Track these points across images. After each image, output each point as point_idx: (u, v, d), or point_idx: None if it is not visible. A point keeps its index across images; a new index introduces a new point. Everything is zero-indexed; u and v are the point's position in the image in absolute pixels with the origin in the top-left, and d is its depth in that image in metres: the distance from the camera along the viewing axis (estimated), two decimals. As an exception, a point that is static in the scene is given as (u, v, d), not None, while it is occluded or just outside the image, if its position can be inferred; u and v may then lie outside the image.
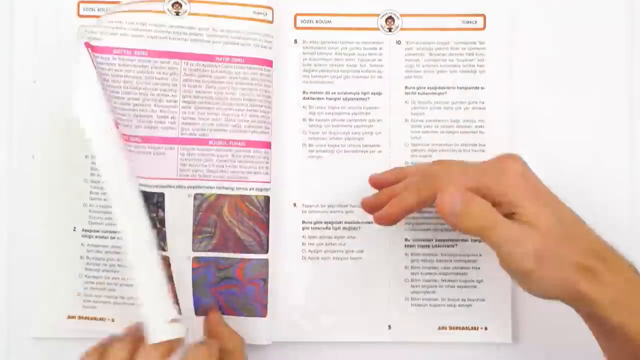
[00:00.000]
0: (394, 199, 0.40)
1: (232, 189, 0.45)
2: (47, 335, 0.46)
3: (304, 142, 0.47)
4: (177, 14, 0.45)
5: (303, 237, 0.46)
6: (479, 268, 0.46)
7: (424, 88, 0.47)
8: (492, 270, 0.46)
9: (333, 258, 0.46)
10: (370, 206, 0.42)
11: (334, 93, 0.47)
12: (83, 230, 0.45)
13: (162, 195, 0.44)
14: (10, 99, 0.47)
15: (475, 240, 0.46)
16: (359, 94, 0.47)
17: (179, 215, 0.44)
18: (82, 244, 0.45)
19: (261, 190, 0.45)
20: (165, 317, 0.37)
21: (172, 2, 0.45)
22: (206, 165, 0.45)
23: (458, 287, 0.46)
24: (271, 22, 0.46)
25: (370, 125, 0.47)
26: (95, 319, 0.45)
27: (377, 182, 0.43)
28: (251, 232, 0.45)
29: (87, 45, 0.43)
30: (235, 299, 0.44)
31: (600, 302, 0.35)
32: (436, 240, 0.46)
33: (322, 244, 0.46)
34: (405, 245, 0.46)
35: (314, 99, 0.47)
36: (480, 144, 0.46)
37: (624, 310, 0.35)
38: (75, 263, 0.45)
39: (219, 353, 0.38)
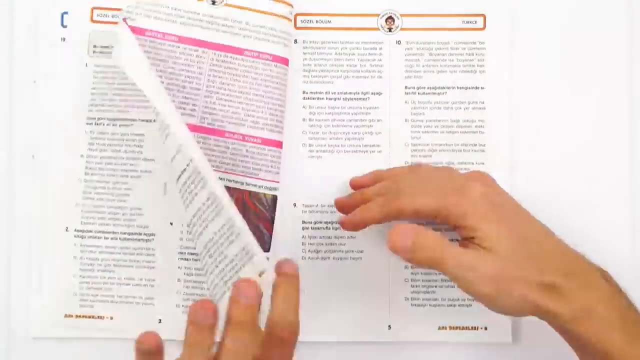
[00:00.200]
0: (359, 209, 0.41)
1: (242, 184, 0.45)
2: (45, 335, 0.46)
3: (304, 142, 0.47)
4: (214, 2, 0.45)
5: (303, 237, 0.46)
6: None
7: (424, 88, 0.47)
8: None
9: (333, 258, 0.46)
10: (341, 205, 0.44)
11: (334, 93, 0.47)
12: (75, 230, 0.46)
13: None
14: (10, 99, 0.47)
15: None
16: (359, 94, 0.47)
17: None
18: (74, 244, 0.46)
19: (270, 189, 0.45)
20: (257, 269, 0.37)
21: None
22: (220, 157, 0.45)
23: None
24: (291, 20, 0.46)
25: (370, 125, 0.47)
26: (93, 317, 0.45)
27: (356, 185, 0.44)
28: (255, 230, 0.44)
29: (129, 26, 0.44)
30: None
31: (565, 317, 0.36)
32: (436, 240, 0.46)
33: (322, 244, 0.46)
34: (405, 245, 0.46)
35: (314, 99, 0.47)
36: (480, 144, 0.46)
37: (590, 323, 0.36)
38: (69, 263, 0.46)
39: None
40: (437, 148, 0.46)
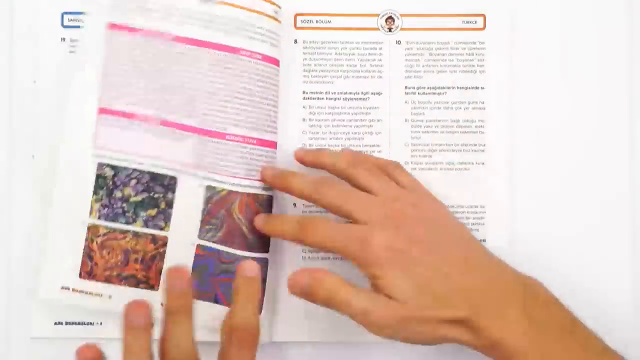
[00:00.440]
0: (278, 221, 0.43)
1: (243, 186, 0.44)
2: (45, 335, 0.46)
3: (304, 142, 0.47)
4: None
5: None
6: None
7: (424, 88, 0.47)
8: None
9: (333, 258, 0.46)
10: (265, 177, 0.44)
11: (334, 93, 0.47)
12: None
13: (174, 178, 0.44)
14: (10, 99, 0.47)
15: (476, 240, 0.46)
16: (359, 94, 0.47)
17: (189, 202, 0.44)
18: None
19: (266, 189, 0.45)
20: None
21: None
22: (222, 159, 0.44)
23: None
24: (280, 22, 0.46)
25: (370, 125, 0.47)
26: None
27: (299, 159, 0.45)
28: (255, 230, 0.44)
29: (112, 26, 0.44)
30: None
31: (476, 346, 0.38)
32: (436, 240, 0.46)
33: (322, 244, 0.46)
34: (405, 245, 0.46)
35: (314, 99, 0.47)
36: (480, 144, 0.46)
37: (500, 353, 0.38)
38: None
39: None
40: (437, 148, 0.46)
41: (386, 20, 0.47)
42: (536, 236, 0.46)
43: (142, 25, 0.44)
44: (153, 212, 0.44)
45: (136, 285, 0.44)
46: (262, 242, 0.45)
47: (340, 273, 0.46)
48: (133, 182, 0.44)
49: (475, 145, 0.46)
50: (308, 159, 0.44)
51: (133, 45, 0.44)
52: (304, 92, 0.47)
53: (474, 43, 0.47)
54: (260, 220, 0.43)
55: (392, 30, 0.47)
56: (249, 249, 0.44)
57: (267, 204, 0.45)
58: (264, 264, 0.45)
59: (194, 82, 0.44)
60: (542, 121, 0.47)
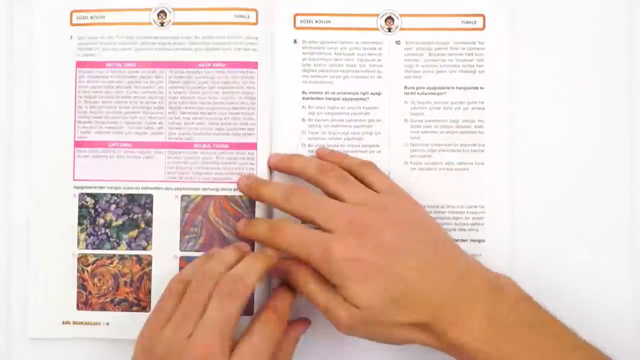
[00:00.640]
0: (250, 226, 0.43)
1: (217, 189, 0.46)
2: (44, 336, 0.46)
3: (304, 142, 0.47)
4: (162, 24, 0.46)
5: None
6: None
7: (424, 88, 0.47)
8: (492, 270, 0.45)
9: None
10: (240, 187, 0.45)
11: (334, 93, 0.47)
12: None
13: (150, 196, 0.46)
14: (9, 99, 0.47)
15: (475, 240, 0.46)
16: (358, 94, 0.47)
17: (167, 216, 0.46)
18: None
19: None
20: None
21: (158, 11, 0.46)
22: (192, 168, 0.46)
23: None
24: (255, 23, 0.46)
25: (370, 126, 0.47)
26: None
27: (272, 166, 0.46)
28: (234, 230, 0.46)
29: (80, 64, 0.46)
30: None
31: (438, 348, 0.39)
32: (436, 241, 0.46)
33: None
34: (404, 246, 0.46)
35: (313, 99, 0.47)
36: (479, 144, 0.46)
37: (462, 356, 0.39)
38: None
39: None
40: (437, 148, 0.46)
41: (386, 20, 0.47)
42: (536, 236, 0.46)
43: (106, 58, 0.46)
44: (134, 233, 0.46)
45: (129, 309, 0.46)
46: (244, 241, 0.45)
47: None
48: (113, 207, 0.46)
49: (475, 145, 0.46)
50: (280, 165, 0.45)
51: (100, 78, 0.46)
52: (303, 92, 0.47)
53: (474, 43, 0.47)
54: (240, 225, 0.44)
55: (392, 30, 0.47)
56: None
57: (247, 205, 0.46)
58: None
59: (157, 101, 0.46)
60: (541, 121, 0.47)
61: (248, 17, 0.46)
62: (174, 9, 0.47)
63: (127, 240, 0.46)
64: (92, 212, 0.46)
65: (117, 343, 0.46)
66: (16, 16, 0.47)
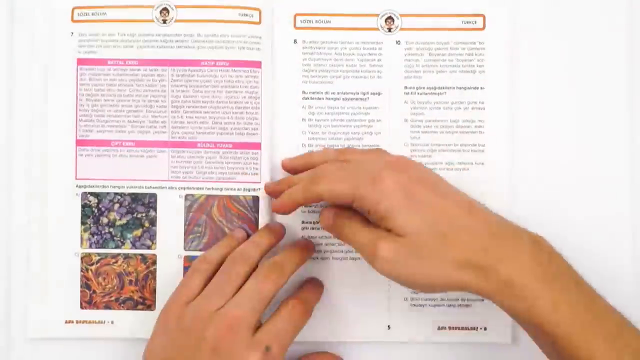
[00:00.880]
0: (285, 193, 0.42)
1: (221, 189, 0.46)
2: (44, 336, 0.46)
3: (304, 142, 0.47)
4: (165, 21, 0.46)
5: (303, 237, 0.46)
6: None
7: (424, 88, 0.47)
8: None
9: (333, 258, 0.46)
10: (271, 191, 0.45)
11: (334, 93, 0.47)
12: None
13: (154, 196, 0.46)
14: (10, 97, 0.47)
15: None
16: (358, 94, 0.47)
17: (171, 216, 0.46)
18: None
19: (249, 190, 0.46)
20: None
21: (160, 8, 0.46)
22: (195, 167, 0.46)
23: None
24: (258, 22, 0.46)
25: (370, 126, 0.47)
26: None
27: (287, 168, 0.45)
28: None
29: (82, 61, 0.46)
30: None
31: (488, 291, 0.37)
32: (436, 241, 0.46)
33: (322, 244, 0.46)
34: (404, 246, 0.46)
35: (313, 99, 0.47)
36: (479, 144, 0.46)
37: (513, 295, 0.36)
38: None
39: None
40: (437, 148, 0.46)
41: (386, 20, 0.47)
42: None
43: (108, 56, 0.46)
44: (138, 232, 0.46)
45: (134, 307, 0.46)
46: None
47: (341, 274, 0.46)
48: (116, 206, 0.46)
49: (475, 145, 0.46)
50: (298, 164, 0.45)
51: (101, 76, 0.46)
52: (303, 92, 0.47)
53: (474, 43, 0.47)
54: (276, 205, 0.43)
55: (392, 30, 0.47)
56: None
57: (251, 205, 0.46)
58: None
59: (160, 100, 0.46)
60: (541, 121, 0.47)
61: (252, 16, 0.46)
62: (176, 6, 0.46)
63: (131, 240, 0.46)
64: (96, 211, 0.46)
65: (121, 342, 0.46)
66: (17, 13, 0.47)
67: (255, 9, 0.46)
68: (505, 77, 0.47)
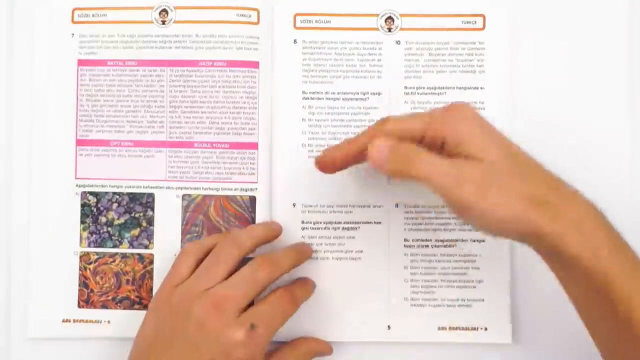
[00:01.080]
0: (344, 141, 0.40)
1: (217, 189, 0.46)
2: (44, 336, 0.46)
3: (304, 142, 0.47)
4: (164, 22, 0.47)
5: (302, 237, 0.46)
6: (478, 268, 0.46)
7: (424, 88, 0.47)
8: (492, 270, 0.46)
9: (332, 258, 0.46)
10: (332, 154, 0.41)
11: (334, 93, 0.47)
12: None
13: (151, 195, 0.46)
14: (11, 97, 0.47)
15: (475, 240, 0.46)
16: (358, 94, 0.47)
17: (168, 215, 0.46)
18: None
19: (246, 190, 0.46)
20: None
21: (159, 10, 0.47)
22: (192, 167, 0.46)
23: (458, 287, 0.46)
24: (257, 23, 0.46)
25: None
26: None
27: (333, 163, 0.41)
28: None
29: (82, 62, 0.46)
30: None
31: (554, 235, 0.34)
32: (435, 241, 0.46)
33: (322, 244, 0.46)
34: (404, 246, 0.46)
35: (313, 99, 0.47)
36: (479, 144, 0.46)
37: (579, 237, 0.34)
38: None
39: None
40: (437, 148, 0.46)
41: (386, 20, 0.47)
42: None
43: (107, 56, 0.47)
44: (136, 231, 0.46)
45: (131, 307, 0.46)
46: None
47: (341, 274, 0.46)
48: (115, 205, 0.46)
49: (475, 145, 0.46)
50: (342, 154, 0.40)
51: (101, 77, 0.46)
52: (303, 92, 0.47)
53: (474, 43, 0.47)
54: (324, 154, 0.40)
55: (392, 30, 0.47)
56: None
57: (248, 204, 0.46)
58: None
59: (158, 100, 0.46)
60: (541, 121, 0.47)
61: (250, 16, 0.46)
62: (175, 8, 0.47)
63: (129, 239, 0.46)
64: (95, 210, 0.46)
65: (118, 342, 0.46)
66: (17, 14, 0.47)
67: (253, 9, 0.46)
68: (505, 77, 0.47)
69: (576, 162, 0.47)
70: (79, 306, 0.46)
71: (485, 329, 0.46)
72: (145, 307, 0.46)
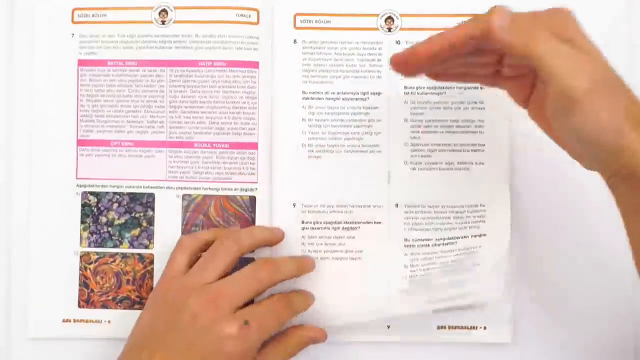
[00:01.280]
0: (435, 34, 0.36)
1: (217, 189, 0.46)
2: (44, 335, 0.46)
3: (304, 142, 0.47)
4: (163, 22, 0.47)
5: (302, 237, 0.46)
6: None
7: (423, 88, 0.47)
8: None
9: (332, 258, 0.46)
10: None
11: (334, 93, 0.47)
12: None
13: (152, 195, 0.46)
14: (11, 98, 0.47)
15: (475, 237, 0.46)
16: (358, 94, 0.47)
17: (169, 215, 0.46)
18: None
19: (246, 190, 0.46)
20: None
21: (159, 10, 0.47)
22: (192, 167, 0.46)
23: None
24: (256, 23, 0.46)
25: (370, 125, 0.47)
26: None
27: (416, 58, 0.37)
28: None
29: (82, 62, 0.47)
30: None
31: (624, 144, 0.32)
32: (435, 240, 0.46)
33: (322, 244, 0.46)
34: (404, 245, 0.46)
35: (313, 99, 0.47)
36: (479, 144, 0.46)
37: None
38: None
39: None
40: (437, 148, 0.46)
41: (386, 20, 0.47)
42: (536, 235, 0.46)
43: (107, 57, 0.47)
44: (136, 231, 0.46)
45: (131, 307, 0.46)
46: None
47: (341, 274, 0.46)
48: (115, 205, 0.46)
49: (475, 145, 0.46)
50: (424, 50, 0.37)
51: (101, 77, 0.47)
52: (303, 92, 0.47)
53: (474, 43, 0.47)
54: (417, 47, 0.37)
55: (392, 30, 0.47)
56: None
57: (248, 204, 0.46)
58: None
59: (158, 100, 0.46)
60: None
61: (249, 16, 0.46)
62: (175, 8, 0.47)
63: (129, 239, 0.46)
64: (95, 210, 0.46)
65: (118, 342, 0.46)
66: (17, 13, 0.47)
67: (253, 9, 0.46)
68: (505, 77, 0.47)
69: (576, 162, 0.47)
70: (79, 306, 0.46)
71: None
72: None
